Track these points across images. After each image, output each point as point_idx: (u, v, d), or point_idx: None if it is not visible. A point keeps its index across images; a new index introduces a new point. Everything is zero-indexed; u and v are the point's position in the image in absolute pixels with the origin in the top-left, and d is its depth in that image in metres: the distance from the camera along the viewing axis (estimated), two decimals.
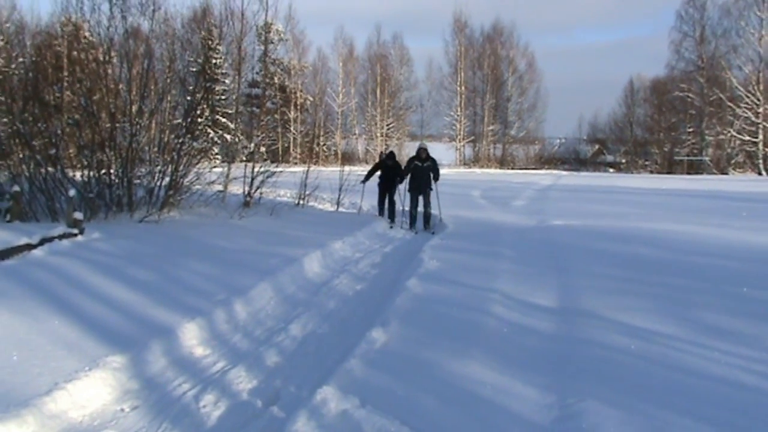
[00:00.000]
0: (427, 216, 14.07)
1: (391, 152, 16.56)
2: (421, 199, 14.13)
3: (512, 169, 57.26)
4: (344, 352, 5.60)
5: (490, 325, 6.19)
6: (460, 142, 62.22)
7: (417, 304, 6.96)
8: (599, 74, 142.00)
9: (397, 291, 7.61)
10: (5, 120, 12.64)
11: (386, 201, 15.38)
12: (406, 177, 14.40)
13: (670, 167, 56.01)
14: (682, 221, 13.50)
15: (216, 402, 4.68)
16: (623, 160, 63.91)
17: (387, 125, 60.18)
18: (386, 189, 15.31)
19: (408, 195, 14.45)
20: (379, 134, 59.90)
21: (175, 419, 4.38)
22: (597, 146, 72.93)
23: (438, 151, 54.25)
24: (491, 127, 62.60)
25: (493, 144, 63.53)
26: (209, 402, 4.67)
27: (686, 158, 55.42)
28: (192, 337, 5.89)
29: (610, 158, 68.16)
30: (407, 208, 14.85)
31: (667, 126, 57.80)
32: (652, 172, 55.94)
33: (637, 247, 10.21)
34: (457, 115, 61.88)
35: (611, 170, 60.38)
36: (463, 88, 61.77)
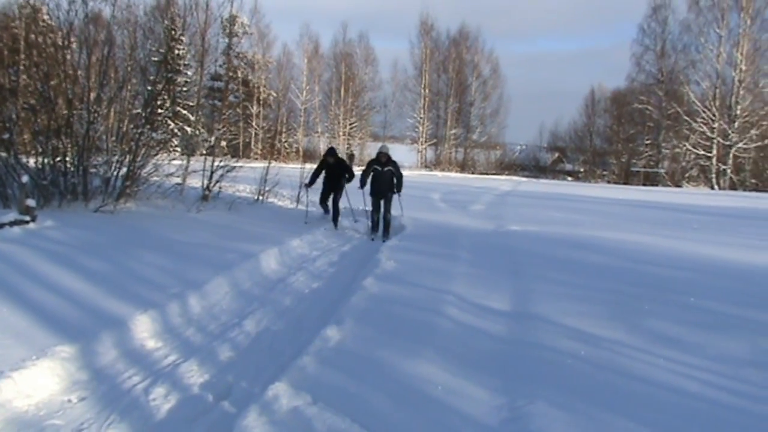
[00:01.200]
0: (386, 222, 13.31)
1: (332, 148, 14.89)
2: (382, 204, 13.33)
3: (473, 173, 57.71)
4: (298, 349, 5.59)
5: (443, 327, 6.24)
6: (422, 144, 62.49)
7: (372, 304, 6.98)
8: (561, 83, 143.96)
9: (353, 290, 7.63)
10: None
11: (330, 201, 14.20)
12: (366, 180, 13.32)
13: (626, 178, 57.07)
14: (636, 231, 13.77)
15: (166, 395, 4.64)
16: (582, 169, 64.93)
17: (350, 124, 60.16)
18: (330, 189, 14.15)
19: (370, 200, 13.58)
20: (341, 133, 59.83)
21: (124, 411, 4.33)
22: (557, 154, 73.99)
23: (400, 152, 54.38)
24: (453, 131, 63.02)
25: (454, 148, 63.97)
26: (159, 395, 4.63)
27: (643, 170, 56.54)
28: (144, 330, 5.82)
29: (569, 167, 69.23)
30: (365, 209, 14.54)
31: (626, 137, 58.92)
32: (609, 182, 56.89)
33: (590, 255, 10.39)
34: (420, 118, 62.14)
35: (570, 179, 61.25)
36: (427, 90, 62.07)
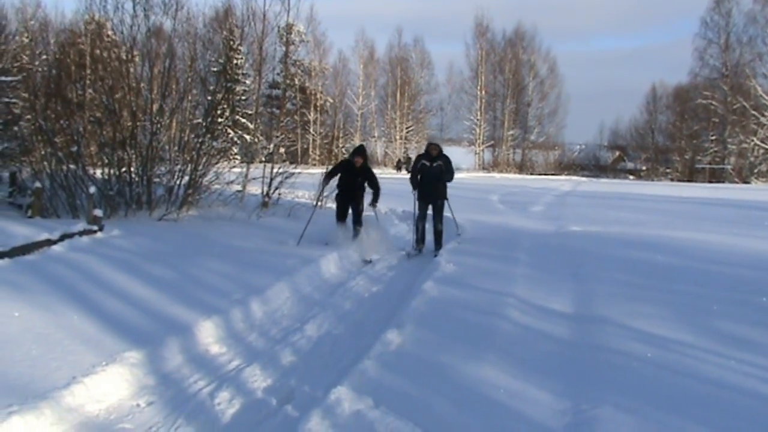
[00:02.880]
0: (437, 232, 11.33)
1: (361, 147, 12.17)
2: (430, 210, 11.43)
3: (531, 174, 57.07)
4: (359, 353, 5.61)
5: (505, 329, 6.17)
6: (479, 146, 62.13)
7: (433, 307, 6.95)
8: (620, 81, 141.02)
9: (413, 294, 7.61)
10: (28, 117, 12.79)
11: (347, 216, 11.54)
12: (416, 179, 11.43)
13: (691, 175, 55.66)
14: (702, 230, 13.38)
15: (231, 399, 4.70)
16: (644, 168, 63.60)
17: (406, 128, 60.25)
18: (347, 200, 11.45)
19: (416, 203, 11.61)
20: (398, 137, 59.96)
21: (190, 416, 4.41)
22: (617, 153, 72.58)
23: (457, 155, 54.08)
24: (511, 132, 62.50)
25: (512, 149, 63.42)
26: (224, 399, 4.70)
27: (708, 166, 55.01)
28: (208, 335, 5.93)
29: (630, 165, 67.86)
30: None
31: (689, 134, 57.44)
32: (672, 179, 55.54)
33: (655, 255, 10.13)
34: (477, 119, 61.82)
35: (631, 177, 60.05)
36: (483, 92, 61.70)
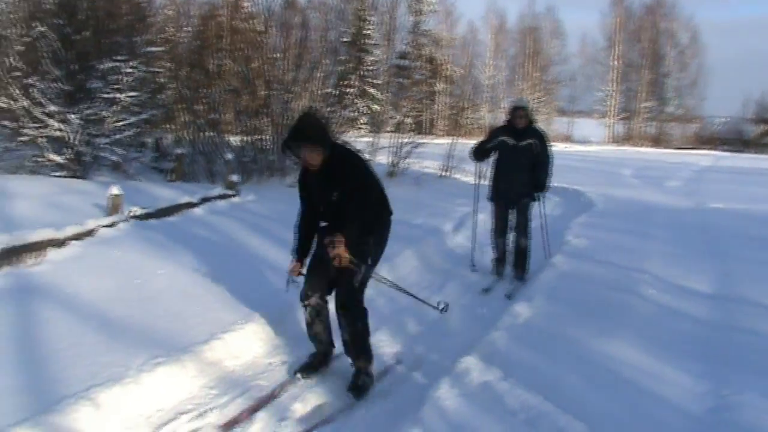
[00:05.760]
0: (520, 251, 7.38)
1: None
2: (512, 216, 7.41)
3: (667, 148, 54.39)
4: (486, 324, 5.57)
5: (639, 307, 5.94)
6: (611, 118, 59.81)
7: (563, 282, 6.79)
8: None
9: (542, 267, 7.45)
10: (171, 86, 13.44)
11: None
12: (483, 158, 7.44)
13: None
14: None
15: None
16: None
17: (536, 99, 58.83)
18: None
19: (490, 206, 7.61)
20: (531, 108, 58.71)
21: (324, 376, 4.52)
22: (764, 127, 67.91)
23: (588, 127, 52.51)
24: (646, 104, 59.60)
25: (647, 121, 60.58)
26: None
27: None
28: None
29: None
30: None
31: None
32: None
33: None
34: (611, 91, 59.46)
35: None
36: (618, 62, 59.11)
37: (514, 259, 7.43)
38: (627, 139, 58.27)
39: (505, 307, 6.03)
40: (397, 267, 7.30)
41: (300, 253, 4.55)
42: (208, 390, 4.22)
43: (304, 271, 4.51)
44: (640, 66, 59.79)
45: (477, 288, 6.99)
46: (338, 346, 4.66)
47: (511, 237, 7.40)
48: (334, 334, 4.67)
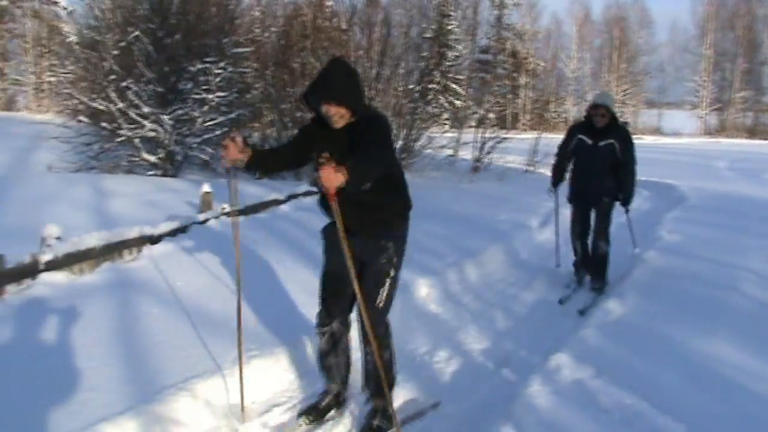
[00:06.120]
0: (599, 256, 6.66)
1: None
2: (592, 218, 6.81)
3: (764, 139, 51.99)
4: (577, 321, 5.46)
5: (740, 305, 5.69)
6: (703, 110, 57.63)
7: (656, 278, 6.57)
8: None
9: (634, 263, 7.24)
10: (257, 85, 13.73)
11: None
12: (566, 165, 6.89)
13: None
14: None
15: (448, 359, 4.77)
16: None
17: (623, 91, 57.29)
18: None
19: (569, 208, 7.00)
20: (616, 100, 57.21)
21: (411, 371, 4.51)
22: None
23: (679, 119, 50.69)
24: (741, 94, 57.15)
25: (742, 112, 58.07)
26: (442, 358, 4.77)
27: None
28: (425, 295, 6.05)
29: None
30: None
31: None
32: None
33: None
34: (702, 81, 57.27)
35: None
36: (710, 51, 56.94)
37: (592, 265, 6.76)
38: (720, 130, 55.97)
39: (596, 304, 5.90)
40: (484, 263, 7.26)
41: (256, 151, 3.59)
42: (301, 383, 4.29)
43: (243, 156, 3.47)
44: (735, 54, 57.31)
45: (561, 286, 6.81)
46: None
47: (590, 241, 6.80)
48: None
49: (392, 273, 3.65)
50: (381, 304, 3.60)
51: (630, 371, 4.24)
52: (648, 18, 59.79)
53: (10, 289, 5.20)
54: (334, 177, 3.01)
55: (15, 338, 4.40)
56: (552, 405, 3.80)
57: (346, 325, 3.86)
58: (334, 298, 3.77)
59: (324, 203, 3.61)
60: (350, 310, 3.82)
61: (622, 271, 6.97)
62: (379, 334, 3.59)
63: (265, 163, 3.65)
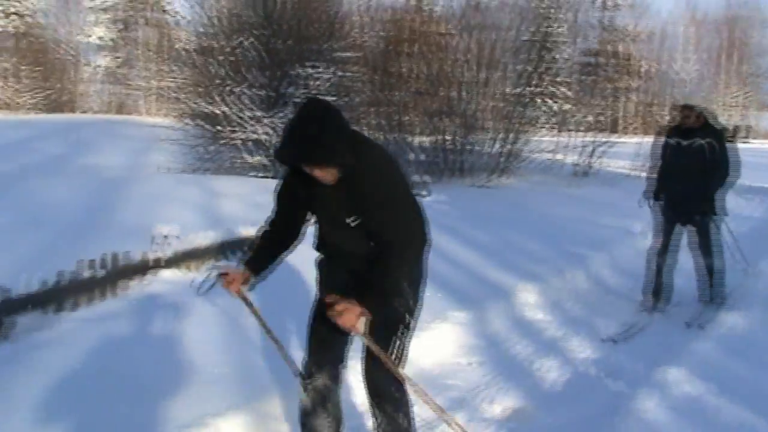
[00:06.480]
0: (708, 269, 5.94)
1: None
2: (686, 233, 6.03)
3: None
4: (692, 333, 5.22)
5: None
6: None
7: None
8: None
9: (755, 273, 6.85)
10: (362, 90, 13.90)
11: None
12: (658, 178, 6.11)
13: None
14: None
15: (553, 367, 4.64)
16: None
17: (741, 95, 54.63)
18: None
19: (657, 221, 6.15)
20: (724, 103, 54.67)
21: (513, 379, 4.42)
22: None
23: None
24: None
25: None
26: (546, 366, 4.66)
27: None
28: (528, 301, 5.94)
29: None
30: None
31: None
32: None
33: None
34: None
35: None
36: None
37: (699, 278, 6.03)
38: None
39: (712, 317, 5.60)
40: (589, 270, 7.06)
41: (252, 264, 3.06)
42: None
43: (246, 289, 3.08)
44: None
45: (682, 295, 6.39)
46: None
47: (690, 258, 6.04)
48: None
49: (407, 318, 2.91)
50: (393, 357, 2.87)
51: (755, 390, 3.98)
52: (762, 16, 56.81)
53: (127, 284, 5.45)
54: (355, 319, 2.61)
55: (133, 332, 4.59)
56: (664, 420, 3.62)
57: (337, 380, 3.07)
58: (325, 345, 2.99)
59: (324, 249, 3.03)
60: (342, 360, 3.06)
61: (736, 284, 6.60)
62: (388, 390, 2.92)
63: (267, 264, 3.07)
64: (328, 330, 2.82)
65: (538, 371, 4.59)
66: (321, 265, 3.09)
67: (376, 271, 2.65)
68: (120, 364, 3.98)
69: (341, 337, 2.91)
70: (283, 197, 2.99)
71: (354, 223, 2.73)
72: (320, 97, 3.33)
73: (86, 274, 5.19)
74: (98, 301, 5.22)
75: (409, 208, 2.84)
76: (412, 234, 2.78)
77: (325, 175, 2.65)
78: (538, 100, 17.64)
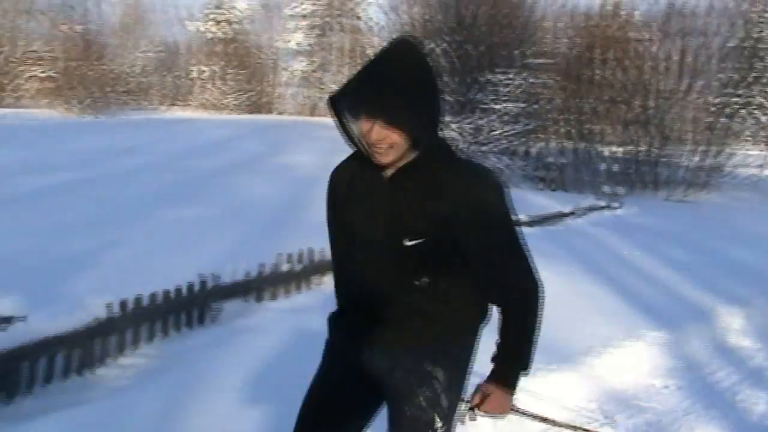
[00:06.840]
0: None
1: None
2: None
3: None
4: None
5: None
6: None
7: None
8: None
9: None
10: (553, 96, 13.68)
11: None
12: None
13: None
14: None
15: (764, 400, 4.26)
16: None
17: None
18: None
19: None
20: None
21: (717, 408, 4.10)
22: None
23: None
24: None
25: None
26: (755, 398, 4.28)
27: None
28: (733, 326, 5.53)
29: None
30: None
31: None
32: None
33: None
34: None
35: None
36: None
37: None
38: None
39: None
40: None
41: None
42: (590, 403, 4.10)
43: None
44: None
45: None
46: None
47: None
48: None
49: (438, 421, 1.94)
50: None
51: None
52: None
53: (321, 279, 5.70)
54: (505, 404, 1.98)
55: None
56: None
57: None
58: (330, 421, 2.08)
59: (343, 295, 2.16)
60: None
61: None
62: None
63: None
64: (327, 402, 2.09)
65: (742, 402, 4.25)
66: (334, 323, 2.17)
67: (506, 329, 1.95)
68: (314, 356, 4.16)
69: (348, 413, 2.09)
70: (333, 222, 2.25)
71: (410, 243, 1.83)
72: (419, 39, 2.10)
73: (284, 267, 5.50)
74: (294, 293, 5.53)
75: (527, 247, 1.98)
76: (536, 283, 1.98)
77: (388, 141, 1.74)
78: (744, 111, 16.45)
